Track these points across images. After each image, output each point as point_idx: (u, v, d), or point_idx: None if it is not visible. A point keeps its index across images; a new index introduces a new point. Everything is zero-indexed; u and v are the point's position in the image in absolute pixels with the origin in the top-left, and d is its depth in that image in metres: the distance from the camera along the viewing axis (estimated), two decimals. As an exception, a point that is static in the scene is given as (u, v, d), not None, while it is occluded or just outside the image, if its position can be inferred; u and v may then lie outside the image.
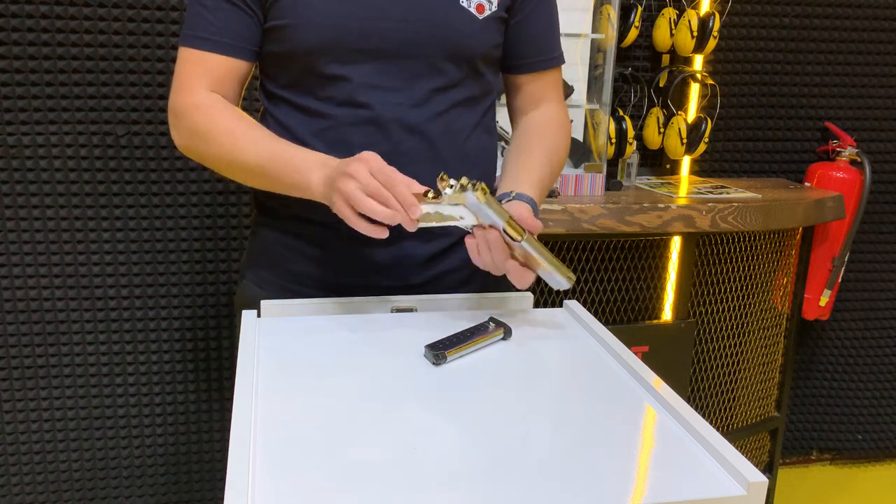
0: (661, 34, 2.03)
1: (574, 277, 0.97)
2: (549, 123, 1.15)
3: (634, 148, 2.03)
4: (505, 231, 0.91)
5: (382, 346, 0.91)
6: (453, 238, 1.11)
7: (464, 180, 0.88)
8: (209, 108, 1.02)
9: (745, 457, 0.72)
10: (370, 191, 0.86)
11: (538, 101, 1.17)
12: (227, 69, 1.03)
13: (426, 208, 0.88)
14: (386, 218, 0.86)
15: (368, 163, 0.87)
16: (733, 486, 0.65)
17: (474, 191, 0.87)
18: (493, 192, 0.93)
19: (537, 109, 1.17)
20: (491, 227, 0.91)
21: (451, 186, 0.88)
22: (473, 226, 0.92)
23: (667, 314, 1.96)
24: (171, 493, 2.02)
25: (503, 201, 0.99)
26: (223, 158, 1.01)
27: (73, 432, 1.90)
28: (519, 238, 0.91)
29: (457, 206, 0.90)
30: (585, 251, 1.86)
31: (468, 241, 0.94)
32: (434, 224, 0.90)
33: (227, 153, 1.00)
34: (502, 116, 1.24)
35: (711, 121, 2.09)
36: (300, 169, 0.96)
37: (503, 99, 1.23)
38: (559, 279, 0.96)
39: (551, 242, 1.82)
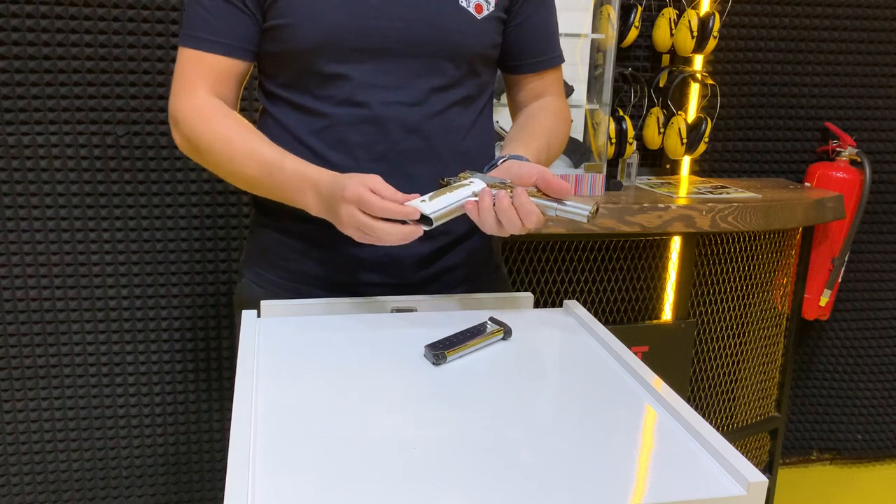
0: (661, 34, 2.03)
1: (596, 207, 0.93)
2: (547, 110, 1.16)
3: (634, 148, 2.03)
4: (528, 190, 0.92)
5: (382, 346, 0.91)
6: (452, 236, 1.11)
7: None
8: (207, 113, 1.02)
9: (745, 457, 0.72)
10: (367, 226, 0.88)
11: (539, 96, 1.18)
12: (227, 69, 1.04)
13: (439, 201, 0.90)
14: (400, 236, 0.89)
15: (354, 201, 0.89)
16: (733, 486, 0.65)
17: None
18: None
19: (537, 101, 1.18)
20: (501, 187, 0.92)
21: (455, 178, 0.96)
22: (481, 189, 0.93)
23: (667, 314, 1.96)
24: (171, 493, 2.02)
25: (499, 163, 1.00)
26: (220, 167, 1.03)
27: (73, 432, 1.90)
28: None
29: (466, 180, 0.94)
30: (585, 251, 1.86)
31: (468, 205, 0.92)
32: (445, 209, 0.90)
33: (224, 163, 1.01)
34: (501, 116, 1.25)
35: (711, 121, 2.09)
36: (296, 190, 0.97)
37: (503, 99, 1.23)
38: (579, 210, 0.92)
39: (551, 242, 1.82)
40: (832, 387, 2.52)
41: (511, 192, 0.91)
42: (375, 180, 0.90)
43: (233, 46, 1.03)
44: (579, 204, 0.92)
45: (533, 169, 0.94)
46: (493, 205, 0.90)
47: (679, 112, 2.09)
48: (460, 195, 0.92)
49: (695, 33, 1.98)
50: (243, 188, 1.05)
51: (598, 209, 0.92)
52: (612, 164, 2.03)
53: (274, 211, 1.10)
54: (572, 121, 1.91)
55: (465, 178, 0.96)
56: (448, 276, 1.13)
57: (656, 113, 2.07)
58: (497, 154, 1.06)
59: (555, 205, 0.92)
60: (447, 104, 1.06)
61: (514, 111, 1.21)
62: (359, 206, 0.89)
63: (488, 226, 0.91)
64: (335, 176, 0.94)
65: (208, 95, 1.03)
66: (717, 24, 1.97)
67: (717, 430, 0.76)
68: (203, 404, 1.98)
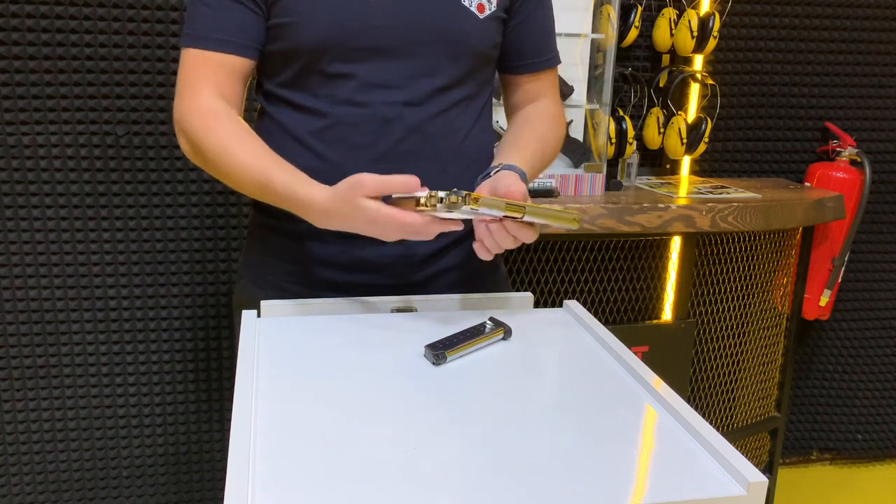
0: (661, 34, 2.03)
1: (580, 219, 0.97)
2: (541, 114, 1.16)
3: (634, 148, 2.03)
4: (506, 217, 0.91)
5: (382, 346, 0.91)
6: (453, 237, 1.11)
7: (452, 197, 0.85)
8: (211, 121, 1.00)
9: (745, 457, 0.72)
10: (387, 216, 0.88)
11: (534, 98, 1.19)
12: (235, 68, 1.02)
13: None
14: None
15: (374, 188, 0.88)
16: (733, 486, 0.65)
17: (465, 204, 0.85)
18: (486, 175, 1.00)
19: (532, 104, 1.18)
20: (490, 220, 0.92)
21: (441, 201, 0.86)
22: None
23: (667, 314, 1.96)
24: (171, 493, 2.02)
25: (492, 173, 1.00)
26: (219, 174, 1.02)
27: (73, 432, 1.90)
28: (520, 215, 0.90)
29: (451, 213, 0.89)
30: (585, 251, 1.86)
31: (476, 245, 0.95)
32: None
33: (223, 172, 1.00)
34: (501, 116, 1.25)
35: (711, 121, 2.09)
36: (293, 208, 0.96)
37: (502, 99, 1.23)
38: (566, 227, 0.96)
39: (551, 242, 1.82)
40: (832, 387, 2.52)
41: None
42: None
43: (241, 45, 1.02)
44: (563, 215, 0.94)
45: (519, 191, 0.93)
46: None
47: (679, 112, 2.09)
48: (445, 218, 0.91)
49: (695, 33, 1.98)
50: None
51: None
52: (612, 164, 2.03)
53: (273, 212, 1.10)
54: (571, 121, 1.92)
55: (448, 210, 0.90)
56: (448, 276, 1.13)
57: (656, 113, 2.07)
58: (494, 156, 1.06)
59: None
60: (448, 104, 1.06)
61: (510, 112, 1.21)
62: (379, 191, 0.87)
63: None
64: (331, 189, 0.92)
65: (213, 97, 1.01)
66: (717, 24, 1.97)
67: (717, 430, 0.76)
68: (203, 405, 1.98)
